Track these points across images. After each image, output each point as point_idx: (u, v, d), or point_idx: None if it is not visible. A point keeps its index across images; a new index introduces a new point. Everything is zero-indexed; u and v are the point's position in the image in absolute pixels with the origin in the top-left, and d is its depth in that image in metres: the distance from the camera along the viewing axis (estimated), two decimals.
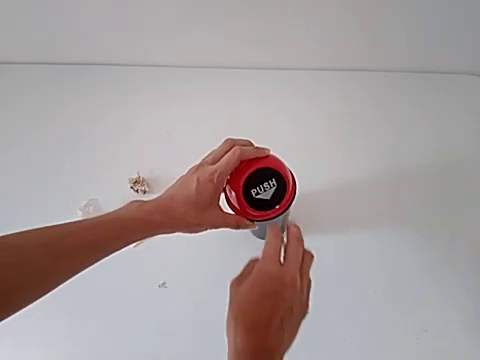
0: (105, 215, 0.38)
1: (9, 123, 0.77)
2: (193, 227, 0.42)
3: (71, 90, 0.79)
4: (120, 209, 0.40)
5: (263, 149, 0.42)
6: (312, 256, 0.39)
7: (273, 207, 0.41)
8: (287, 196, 0.41)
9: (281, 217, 0.43)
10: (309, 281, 0.38)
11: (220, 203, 0.42)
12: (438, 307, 0.55)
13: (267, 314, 0.33)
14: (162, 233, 0.40)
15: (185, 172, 0.43)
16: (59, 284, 0.35)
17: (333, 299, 0.56)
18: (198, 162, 0.43)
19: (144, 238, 0.39)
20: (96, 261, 0.37)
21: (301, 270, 0.37)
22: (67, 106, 0.78)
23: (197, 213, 0.40)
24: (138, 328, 0.55)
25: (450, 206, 0.62)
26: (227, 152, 0.40)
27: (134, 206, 0.40)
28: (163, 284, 0.58)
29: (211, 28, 0.72)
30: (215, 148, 0.43)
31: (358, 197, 0.63)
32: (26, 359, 0.56)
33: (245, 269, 0.38)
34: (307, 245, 0.61)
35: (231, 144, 0.41)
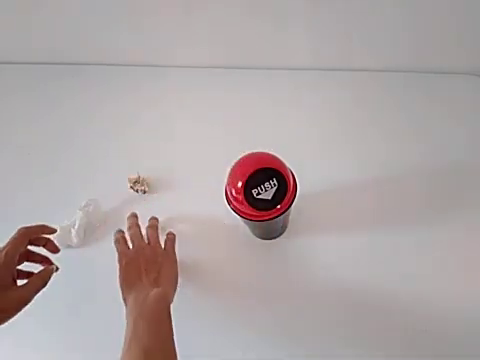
0: None
1: (9, 123, 0.77)
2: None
3: (71, 90, 0.79)
4: None
5: (47, 228, 0.50)
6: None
7: (274, 207, 0.41)
8: (288, 196, 0.41)
9: (282, 217, 0.43)
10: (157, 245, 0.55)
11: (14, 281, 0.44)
12: (438, 307, 0.55)
13: (132, 273, 0.50)
14: None
15: None
16: None
17: (333, 299, 0.56)
18: None
19: None
20: None
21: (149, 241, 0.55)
22: (67, 106, 0.78)
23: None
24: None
25: (450, 206, 0.62)
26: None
27: None
28: None
29: (211, 28, 0.72)
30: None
31: (359, 197, 0.63)
32: (25, 359, 0.56)
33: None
34: (307, 245, 0.61)
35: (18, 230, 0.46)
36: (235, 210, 0.44)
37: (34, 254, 0.49)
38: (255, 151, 0.43)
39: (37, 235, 0.49)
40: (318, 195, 0.63)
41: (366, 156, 0.67)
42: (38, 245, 0.50)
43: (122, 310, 0.57)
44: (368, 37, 0.71)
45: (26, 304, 0.43)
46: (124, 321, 0.56)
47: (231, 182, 0.42)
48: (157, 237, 0.56)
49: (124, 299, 0.49)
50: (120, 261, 0.52)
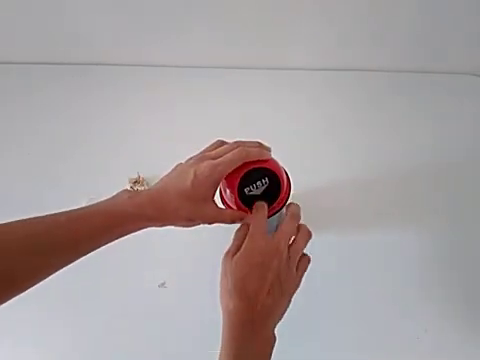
0: (94, 205, 0.37)
1: (9, 123, 0.77)
2: (186, 222, 0.40)
3: (71, 90, 0.79)
4: (111, 199, 0.38)
5: (266, 153, 0.41)
6: (309, 233, 0.40)
7: (268, 206, 0.41)
8: (281, 195, 0.42)
9: (276, 216, 0.43)
10: (304, 256, 0.40)
11: (215, 198, 0.41)
12: (438, 307, 0.55)
13: (255, 284, 0.35)
14: (153, 226, 0.39)
15: (183, 161, 0.42)
16: (46, 277, 0.35)
17: (333, 299, 0.56)
18: (198, 153, 0.42)
19: (134, 231, 0.38)
20: (84, 255, 0.36)
21: (293, 244, 0.39)
22: (67, 106, 0.78)
23: (191, 208, 0.38)
24: (138, 328, 0.55)
25: (450, 206, 0.62)
26: (231, 151, 0.39)
27: (125, 197, 0.38)
28: (163, 284, 0.58)
29: (211, 28, 0.72)
30: (223, 140, 0.42)
31: (358, 197, 0.63)
32: (25, 359, 0.56)
33: (234, 242, 0.40)
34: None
35: (238, 145, 0.40)
36: (228, 208, 0.44)
37: None
38: None
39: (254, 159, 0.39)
40: (317, 195, 0.63)
41: (365, 156, 0.67)
42: None
43: (122, 310, 0.57)
44: (368, 37, 0.71)
45: (210, 223, 0.41)
46: (124, 321, 0.56)
47: (224, 182, 0.42)
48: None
49: (226, 307, 0.36)
50: (245, 256, 0.37)
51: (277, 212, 0.42)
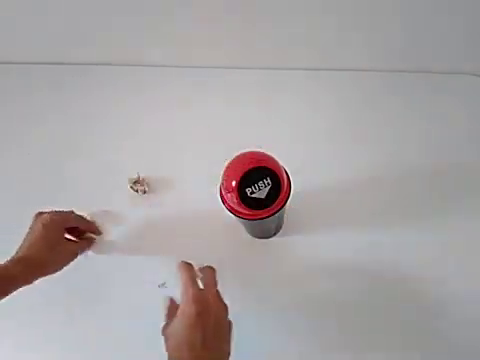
0: None
1: (9, 123, 0.77)
2: (50, 266, 0.49)
3: (71, 90, 0.79)
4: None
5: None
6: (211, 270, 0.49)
7: (268, 206, 0.41)
8: (282, 195, 0.41)
9: (276, 216, 0.43)
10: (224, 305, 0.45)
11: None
12: (438, 307, 0.55)
13: (191, 339, 0.40)
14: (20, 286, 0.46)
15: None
16: None
17: (333, 299, 0.56)
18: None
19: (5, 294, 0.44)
20: None
21: (214, 295, 0.45)
22: (67, 106, 0.78)
23: (50, 248, 0.49)
24: (138, 328, 0.55)
25: (450, 206, 0.62)
26: None
27: None
28: (163, 284, 0.58)
29: (211, 28, 0.72)
30: None
31: (357, 197, 0.63)
32: (25, 359, 0.56)
33: (168, 313, 0.46)
34: (302, 244, 0.61)
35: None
36: (229, 209, 0.44)
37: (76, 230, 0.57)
38: (249, 150, 0.43)
39: (85, 227, 0.57)
40: (316, 195, 0.63)
41: (365, 156, 0.67)
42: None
43: (122, 310, 0.57)
44: (368, 37, 0.71)
45: (73, 258, 0.52)
46: (124, 321, 0.56)
47: (225, 181, 0.42)
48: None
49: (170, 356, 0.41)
50: (189, 306, 0.42)
51: (276, 212, 0.42)
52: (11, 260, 0.47)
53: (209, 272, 0.48)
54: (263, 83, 0.76)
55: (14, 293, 0.45)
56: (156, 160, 0.68)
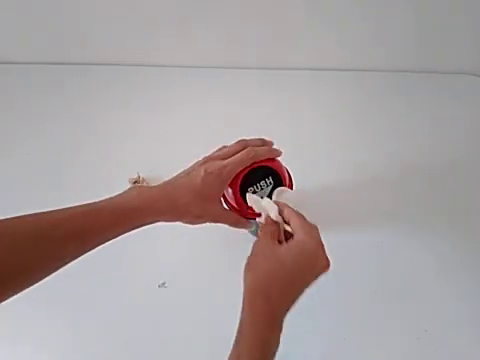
0: (102, 201, 0.38)
1: (9, 123, 0.77)
2: (193, 218, 0.41)
3: (71, 90, 0.79)
4: (118, 196, 0.39)
5: (275, 150, 0.42)
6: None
7: None
8: None
9: None
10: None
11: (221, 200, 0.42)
12: (438, 307, 0.55)
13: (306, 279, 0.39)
14: (162, 220, 0.40)
15: (191, 164, 0.43)
16: (58, 268, 0.36)
17: (333, 299, 0.56)
18: (205, 156, 0.43)
19: (143, 225, 0.39)
20: (93, 247, 0.37)
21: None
22: (67, 106, 0.78)
23: (200, 205, 0.40)
24: (138, 328, 0.55)
25: (450, 206, 0.62)
26: (239, 151, 0.40)
27: (134, 194, 0.39)
28: (163, 284, 0.58)
29: (211, 28, 0.72)
30: (226, 145, 0.43)
31: (357, 197, 0.63)
32: (25, 359, 0.56)
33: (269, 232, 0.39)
34: None
35: (244, 145, 0.41)
36: (231, 208, 0.44)
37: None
38: None
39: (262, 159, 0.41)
40: (317, 195, 0.63)
41: (365, 155, 0.67)
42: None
43: (122, 310, 0.57)
44: (368, 37, 0.71)
45: (216, 222, 0.42)
46: (124, 321, 0.56)
47: None
48: None
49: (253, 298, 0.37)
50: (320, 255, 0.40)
51: None
52: (152, 190, 0.40)
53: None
54: (263, 83, 0.76)
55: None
56: (156, 160, 0.68)
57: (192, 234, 0.61)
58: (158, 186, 0.41)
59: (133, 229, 0.38)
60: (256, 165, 0.40)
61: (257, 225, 0.54)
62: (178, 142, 0.71)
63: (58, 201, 0.65)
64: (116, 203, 0.38)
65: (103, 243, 0.37)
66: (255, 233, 0.59)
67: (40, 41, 0.79)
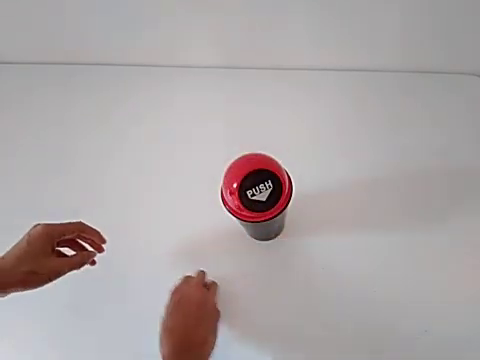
0: None
1: (9, 123, 0.77)
2: (30, 276, 0.43)
3: (71, 90, 0.79)
4: None
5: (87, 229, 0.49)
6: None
7: (269, 208, 0.41)
8: (283, 197, 0.41)
9: (277, 218, 0.43)
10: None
11: (55, 252, 0.46)
12: (438, 307, 0.55)
13: (172, 325, 0.46)
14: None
15: None
16: None
17: (333, 299, 0.56)
18: None
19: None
20: None
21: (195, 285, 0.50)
22: (67, 106, 0.78)
23: (31, 262, 0.43)
24: (138, 328, 0.55)
25: (451, 206, 0.62)
26: None
27: None
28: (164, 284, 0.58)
29: (211, 28, 0.72)
30: None
31: (358, 197, 0.63)
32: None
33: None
34: (303, 246, 0.61)
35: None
36: (230, 211, 0.43)
37: (78, 244, 0.51)
38: (250, 152, 0.43)
39: (89, 235, 0.49)
40: (316, 196, 0.63)
41: (365, 156, 0.67)
42: (85, 240, 0.51)
43: (122, 310, 0.57)
44: (368, 37, 0.71)
45: (58, 275, 0.45)
46: (124, 321, 0.56)
47: (226, 183, 0.42)
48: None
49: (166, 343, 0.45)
50: (170, 296, 0.49)
51: (277, 216, 0.42)
52: None
53: (197, 272, 0.54)
54: (265, 83, 0.76)
55: (14, 293, 0.45)
56: (156, 160, 0.68)
57: (193, 235, 0.61)
58: None
59: None
60: (255, 168, 0.40)
61: (253, 228, 0.55)
62: (179, 142, 0.71)
63: (58, 201, 0.65)
64: None
65: None
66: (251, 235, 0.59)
67: (40, 41, 0.79)
